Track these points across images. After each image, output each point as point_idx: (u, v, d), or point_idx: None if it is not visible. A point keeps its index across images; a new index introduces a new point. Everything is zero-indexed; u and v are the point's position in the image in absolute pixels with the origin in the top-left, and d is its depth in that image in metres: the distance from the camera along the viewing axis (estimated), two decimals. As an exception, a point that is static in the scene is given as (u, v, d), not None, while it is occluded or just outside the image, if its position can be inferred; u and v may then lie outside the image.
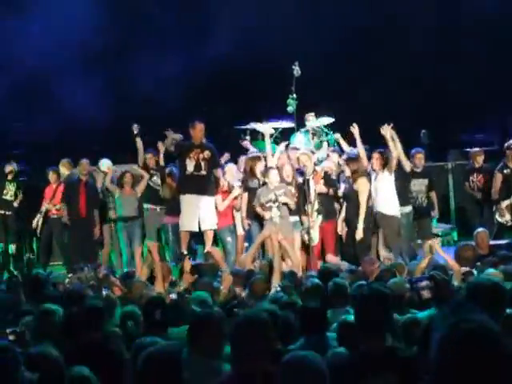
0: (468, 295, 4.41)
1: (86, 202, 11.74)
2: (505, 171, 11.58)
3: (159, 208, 11.92)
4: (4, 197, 12.61)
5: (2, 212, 12.62)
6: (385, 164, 10.49)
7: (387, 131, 10.38)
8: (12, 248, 12.88)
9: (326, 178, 10.74)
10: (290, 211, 10.39)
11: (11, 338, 4.80)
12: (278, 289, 6.61)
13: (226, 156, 11.63)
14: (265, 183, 10.58)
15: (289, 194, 10.36)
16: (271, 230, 9.39)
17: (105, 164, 12.28)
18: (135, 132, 11.58)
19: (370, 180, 10.52)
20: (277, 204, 10.28)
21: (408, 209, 10.84)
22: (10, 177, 12.68)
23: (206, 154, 10.69)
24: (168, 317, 5.34)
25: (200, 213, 10.58)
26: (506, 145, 11.70)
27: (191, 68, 14.25)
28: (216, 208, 10.84)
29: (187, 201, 10.63)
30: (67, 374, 3.84)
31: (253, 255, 9.29)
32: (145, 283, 7.87)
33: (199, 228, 10.66)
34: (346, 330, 4.62)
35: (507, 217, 11.36)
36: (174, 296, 6.22)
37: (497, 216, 11.48)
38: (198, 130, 10.72)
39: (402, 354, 3.73)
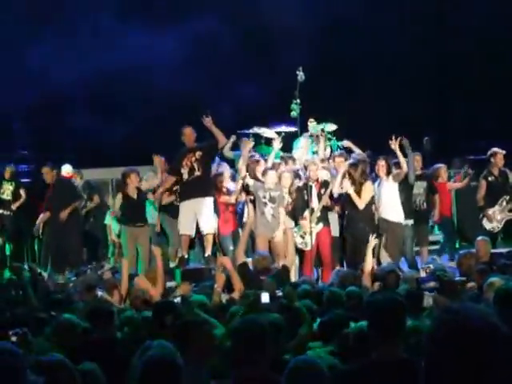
0: (497, 301, 4.40)
1: (53, 206, 11.73)
2: (489, 178, 11.70)
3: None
4: (1, 196, 12.67)
5: (0, 211, 12.67)
6: (389, 171, 10.53)
7: (396, 145, 10.43)
8: (9, 248, 12.91)
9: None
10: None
11: (14, 339, 4.79)
12: (280, 294, 6.57)
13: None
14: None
15: (282, 199, 10.39)
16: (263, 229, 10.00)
17: (64, 168, 12.37)
18: None
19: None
20: (271, 205, 10.32)
21: (412, 221, 10.90)
22: (7, 176, 12.75)
23: (198, 154, 10.79)
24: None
25: (199, 217, 10.65)
26: (489, 152, 11.83)
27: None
28: (226, 208, 10.90)
29: (185, 206, 10.73)
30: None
31: (242, 250, 9.36)
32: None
33: (198, 232, 10.76)
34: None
35: (494, 223, 11.43)
36: (178, 300, 6.22)
37: (483, 222, 11.53)
38: (187, 135, 10.87)
39: (417, 365, 3.58)
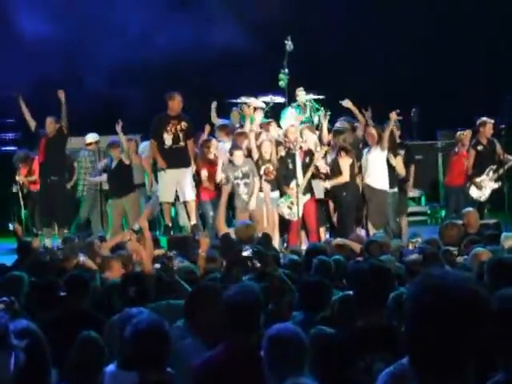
0: (489, 271, 4.42)
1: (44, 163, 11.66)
2: (478, 147, 11.79)
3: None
4: None
5: None
6: (379, 139, 10.58)
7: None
8: None
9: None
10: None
11: (1, 307, 4.81)
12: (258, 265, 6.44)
13: (208, 129, 11.56)
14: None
15: (253, 171, 10.43)
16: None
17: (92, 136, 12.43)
18: None
19: (353, 155, 10.63)
20: (244, 181, 10.35)
21: (394, 190, 10.92)
22: None
23: (183, 124, 10.79)
24: (150, 290, 5.31)
25: (178, 185, 10.68)
26: (478, 122, 11.91)
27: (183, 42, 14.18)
28: (206, 180, 10.90)
29: (167, 174, 10.72)
30: (77, 338, 3.97)
31: (222, 219, 9.39)
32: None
33: (178, 200, 10.85)
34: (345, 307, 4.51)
35: (481, 191, 11.49)
36: (157, 266, 6.15)
37: (471, 190, 11.59)
38: (177, 102, 10.79)
39: (400, 332, 3.65)
